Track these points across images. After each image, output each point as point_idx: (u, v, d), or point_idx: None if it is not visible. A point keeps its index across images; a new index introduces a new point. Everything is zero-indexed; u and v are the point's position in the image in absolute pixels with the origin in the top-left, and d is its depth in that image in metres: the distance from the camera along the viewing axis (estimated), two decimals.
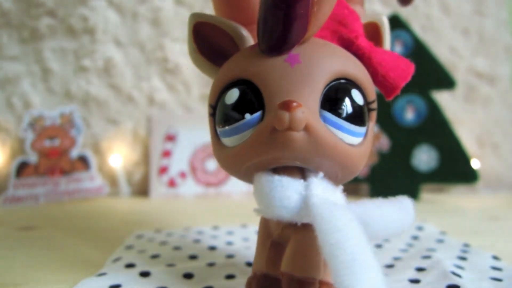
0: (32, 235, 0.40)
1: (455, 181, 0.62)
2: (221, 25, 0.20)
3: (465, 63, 0.73)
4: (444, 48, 0.72)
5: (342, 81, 0.18)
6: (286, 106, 0.16)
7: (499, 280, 0.24)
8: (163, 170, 0.68)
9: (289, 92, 0.17)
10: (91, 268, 0.28)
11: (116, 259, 0.29)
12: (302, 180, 0.18)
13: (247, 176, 0.20)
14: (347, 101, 0.18)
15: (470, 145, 0.70)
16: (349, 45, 0.20)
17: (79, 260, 0.31)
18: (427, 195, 0.65)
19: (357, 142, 0.18)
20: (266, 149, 0.17)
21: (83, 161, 0.67)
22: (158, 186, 0.67)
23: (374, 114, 0.20)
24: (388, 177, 0.62)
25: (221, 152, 0.20)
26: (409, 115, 0.62)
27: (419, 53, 0.63)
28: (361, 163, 0.19)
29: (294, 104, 0.16)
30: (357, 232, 0.15)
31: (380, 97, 0.20)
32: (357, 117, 0.18)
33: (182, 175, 0.68)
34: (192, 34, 0.21)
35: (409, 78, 0.20)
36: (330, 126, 0.17)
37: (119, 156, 0.70)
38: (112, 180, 0.69)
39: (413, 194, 0.61)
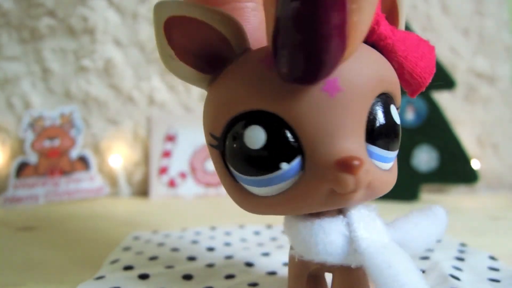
0: (32, 235, 0.40)
1: (455, 181, 0.62)
2: (208, 20, 0.14)
3: (465, 63, 0.73)
4: (444, 48, 0.72)
5: (381, 98, 0.15)
6: (349, 168, 0.13)
7: (497, 281, 0.24)
8: (163, 170, 0.68)
9: (334, 132, 0.14)
10: (91, 268, 0.28)
11: (114, 261, 0.29)
12: (341, 217, 0.16)
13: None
14: (389, 125, 0.15)
15: (470, 145, 0.70)
16: (369, 34, 0.15)
17: (79, 261, 0.31)
18: (427, 195, 0.65)
19: (392, 165, 0.16)
20: (317, 207, 0.15)
21: (83, 161, 0.67)
22: (158, 187, 0.68)
23: None
24: None
25: (243, 197, 0.16)
26: (409, 115, 0.62)
27: None
28: (394, 183, 0.17)
29: (356, 163, 0.13)
30: (409, 267, 0.15)
31: None
32: (396, 139, 0.15)
33: (182, 175, 0.68)
34: (164, 34, 0.14)
35: (434, 71, 0.17)
36: (375, 160, 0.15)
37: (119, 156, 0.70)
38: (112, 180, 0.69)
39: (413, 194, 0.61)
